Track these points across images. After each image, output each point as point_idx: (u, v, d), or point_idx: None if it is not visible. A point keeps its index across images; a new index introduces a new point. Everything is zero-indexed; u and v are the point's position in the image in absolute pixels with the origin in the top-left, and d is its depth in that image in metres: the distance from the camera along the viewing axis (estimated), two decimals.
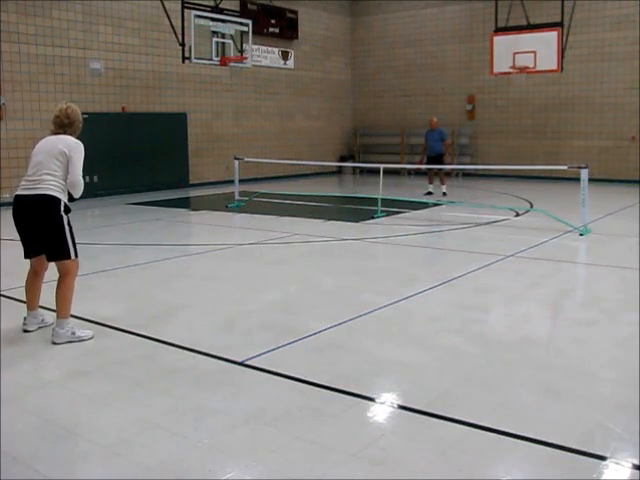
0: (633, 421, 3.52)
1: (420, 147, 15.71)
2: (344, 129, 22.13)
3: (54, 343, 4.89)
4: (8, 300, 6.12)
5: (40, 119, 13.75)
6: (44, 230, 4.92)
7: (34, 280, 5.20)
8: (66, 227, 4.92)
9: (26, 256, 5.09)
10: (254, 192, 13.77)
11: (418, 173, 19.40)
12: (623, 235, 9.50)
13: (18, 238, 5.08)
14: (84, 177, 4.99)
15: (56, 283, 5.02)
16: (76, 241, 5.04)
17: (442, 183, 14.81)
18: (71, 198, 5.05)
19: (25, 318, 5.24)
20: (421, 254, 8.75)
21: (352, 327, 5.29)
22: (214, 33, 14.52)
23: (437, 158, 14.56)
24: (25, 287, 5.23)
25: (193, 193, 15.85)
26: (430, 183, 14.97)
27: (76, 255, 5.00)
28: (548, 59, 15.05)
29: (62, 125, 5.08)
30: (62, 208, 4.93)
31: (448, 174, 18.61)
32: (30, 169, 4.98)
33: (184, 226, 11.57)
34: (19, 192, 4.97)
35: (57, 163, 4.89)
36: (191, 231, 11.32)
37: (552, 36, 15.03)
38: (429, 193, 14.75)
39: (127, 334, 5.12)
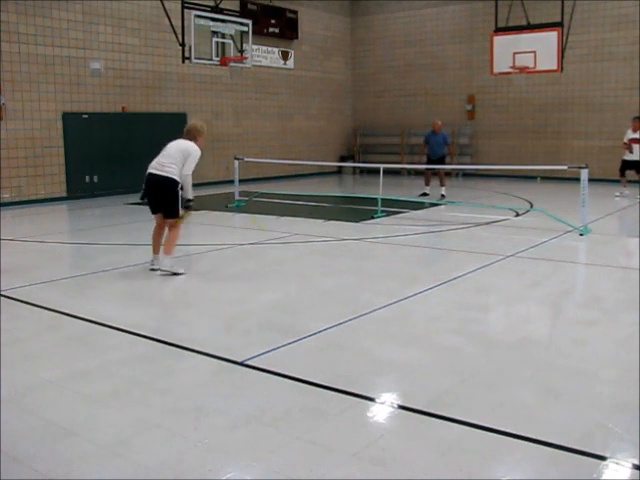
0: (633, 421, 3.52)
1: (420, 147, 15.63)
2: (344, 129, 22.12)
3: (160, 270, 7.04)
4: (8, 300, 6.12)
5: (40, 119, 13.76)
6: (165, 200, 7.13)
7: (158, 231, 7.31)
8: (179, 199, 7.12)
9: (152, 212, 7.32)
10: (254, 192, 13.77)
11: (418, 173, 19.36)
12: (623, 235, 9.49)
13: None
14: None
15: (167, 231, 7.24)
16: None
17: (442, 185, 14.54)
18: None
19: (152, 260, 7.27)
20: (421, 254, 8.75)
21: (352, 327, 5.29)
22: (214, 33, 14.50)
23: (439, 161, 14.37)
24: (152, 237, 7.31)
25: (193, 193, 15.80)
26: (427, 185, 14.77)
27: (180, 215, 7.19)
28: (548, 59, 15.03)
29: (189, 132, 7.31)
30: (178, 187, 7.09)
31: (448, 174, 18.56)
32: (163, 157, 7.10)
33: (184, 226, 11.51)
34: (151, 171, 7.07)
35: (179, 158, 7.06)
36: (191, 231, 11.30)
37: (552, 36, 15.01)
38: (424, 194, 14.55)
39: (127, 334, 5.12)
